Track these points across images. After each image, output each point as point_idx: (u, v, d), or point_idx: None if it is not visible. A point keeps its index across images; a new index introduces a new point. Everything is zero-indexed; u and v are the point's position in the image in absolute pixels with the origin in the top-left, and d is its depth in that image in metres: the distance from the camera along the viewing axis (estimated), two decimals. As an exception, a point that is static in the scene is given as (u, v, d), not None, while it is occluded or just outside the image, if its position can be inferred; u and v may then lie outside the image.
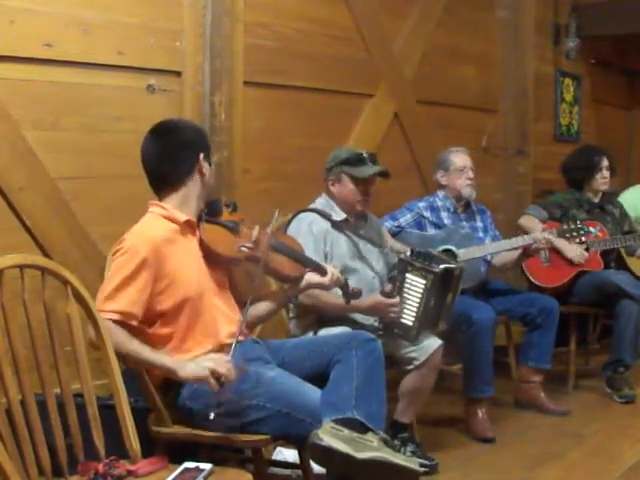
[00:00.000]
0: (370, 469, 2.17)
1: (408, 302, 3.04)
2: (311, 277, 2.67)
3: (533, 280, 4.34)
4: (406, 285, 3.04)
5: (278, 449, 3.06)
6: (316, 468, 2.60)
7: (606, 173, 4.47)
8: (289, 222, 3.16)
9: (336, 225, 3.17)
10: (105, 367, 2.17)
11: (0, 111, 2.81)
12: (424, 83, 4.70)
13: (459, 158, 3.94)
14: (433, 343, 3.07)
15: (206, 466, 2.06)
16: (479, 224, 4.02)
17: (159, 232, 2.39)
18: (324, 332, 2.97)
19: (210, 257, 2.48)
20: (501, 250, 3.85)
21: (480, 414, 3.62)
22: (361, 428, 2.25)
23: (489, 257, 3.92)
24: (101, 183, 3.13)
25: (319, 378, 2.39)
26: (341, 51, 4.17)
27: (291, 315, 3.16)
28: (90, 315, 2.16)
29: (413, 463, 2.27)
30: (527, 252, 3.79)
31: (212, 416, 2.20)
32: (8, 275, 1.99)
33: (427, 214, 3.90)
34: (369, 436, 2.23)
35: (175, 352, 2.37)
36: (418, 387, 3.10)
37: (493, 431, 3.59)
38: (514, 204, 5.22)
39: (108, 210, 3.11)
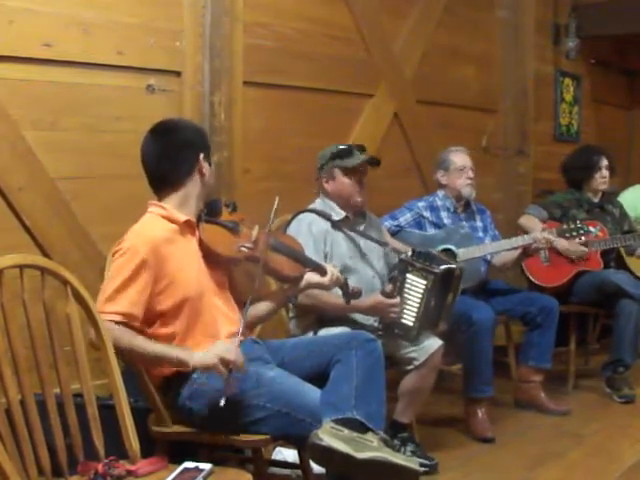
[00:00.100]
0: (370, 469, 2.17)
1: (408, 302, 3.04)
2: (311, 277, 2.67)
3: (533, 280, 4.34)
4: (406, 285, 3.04)
5: (278, 449, 3.06)
6: (316, 468, 2.60)
7: (605, 173, 4.47)
8: (289, 223, 3.16)
9: (336, 225, 3.17)
10: (105, 367, 2.17)
11: (-1, 111, 2.82)
12: (424, 83, 4.70)
13: (459, 158, 3.94)
14: (433, 343, 3.07)
15: (206, 466, 2.06)
16: (479, 224, 4.02)
17: (158, 232, 2.39)
18: (324, 332, 2.97)
19: (210, 257, 2.48)
20: (501, 250, 3.85)
21: (480, 414, 3.62)
22: (361, 428, 2.25)
23: (489, 257, 3.92)
24: (101, 183, 3.13)
25: (319, 378, 2.39)
26: (341, 51, 4.17)
27: (291, 315, 3.16)
28: (90, 315, 2.16)
29: (413, 463, 2.27)
30: (527, 252, 3.80)
31: (223, 402, 2.19)
32: (8, 275, 1.99)
33: (427, 214, 3.90)
34: (369, 436, 2.23)
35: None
36: (418, 387, 3.10)
37: (493, 431, 3.59)
38: (514, 204, 5.21)
39: (108, 210, 3.11)
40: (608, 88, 6.54)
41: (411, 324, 3.04)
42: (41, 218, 2.94)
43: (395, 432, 3.10)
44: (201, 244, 2.47)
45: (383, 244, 3.28)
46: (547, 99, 5.79)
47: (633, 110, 6.99)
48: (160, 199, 2.48)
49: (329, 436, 2.16)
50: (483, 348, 3.57)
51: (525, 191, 5.43)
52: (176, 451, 2.34)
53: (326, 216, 3.17)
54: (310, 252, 2.90)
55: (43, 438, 1.98)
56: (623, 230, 4.50)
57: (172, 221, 2.44)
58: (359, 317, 3.11)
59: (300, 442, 2.38)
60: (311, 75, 4.01)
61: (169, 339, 2.38)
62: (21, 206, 2.88)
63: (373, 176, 4.22)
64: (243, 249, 2.50)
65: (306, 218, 3.15)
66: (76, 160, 3.06)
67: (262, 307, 2.62)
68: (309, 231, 3.09)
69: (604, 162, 4.48)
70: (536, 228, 4.11)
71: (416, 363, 3.05)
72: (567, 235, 3.85)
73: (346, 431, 2.19)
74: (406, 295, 3.04)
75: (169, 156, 2.45)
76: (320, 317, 3.07)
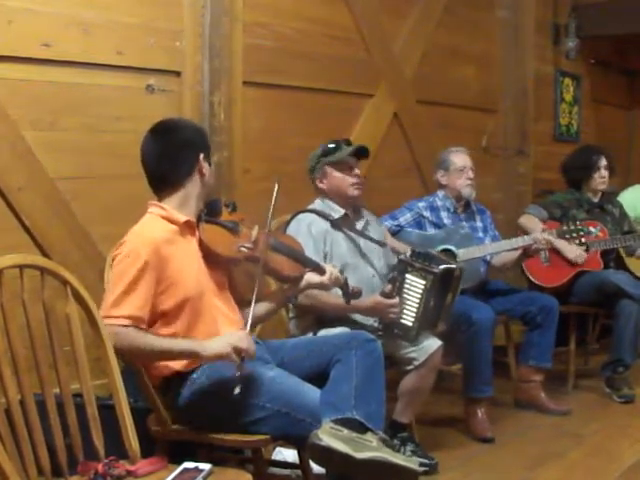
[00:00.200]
0: (369, 469, 2.16)
1: (408, 303, 3.04)
2: (311, 277, 2.67)
3: (533, 280, 4.34)
4: (406, 286, 3.04)
5: (278, 449, 3.05)
6: (316, 468, 2.59)
7: (604, 173, 4.47)
8: (288, 223, 3.16)
9: (335, 225, 3.17)
10: (105, 367, 2.17)
11: (-1, 111, 2.81)
12: (424, 83, 4.70)
13: (459, 158, 3.95)
14: (433, 343, 3.07)
15: (205, 466, 2.06)
16: (479, 224, 4.02)
17: (159, 233, 2.38)
18: (324, 332, 2.97)
19: (210, 257, 2.47)
20: (501, 250, 3.86)
21: (480, 414, 3.62)
22: (360, 428, 2.24)
23: (489, 257, 3.92)
24: (101, 183, 3.13)
25: (318, 378, 2.39)
26: (341, 51, 4.17)
27: (291, 315, 3.16)
28: (90, 315, 2.16)
29: (413, 463, 2.27)
30: (527, 252, 3.80)
31: (237, 390, 2.19)
32: (7, 275, 1.99)
33: (427, 214, 3.90)
34: (368, 436, 2.23)
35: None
36: (417, 387, 3.10)
37: (493, 431, 3.59)
38: (514, 204, 5.21)
39: (108, 210, 3.11)
40: (608, 88, 6.54)
41: (410, 324, 3.04)
42: (41, 218, 2.94)
43: (395, 432, 3.10)
44: (201, 244, 2.46)
45: (382, 244, 3.28)
46: (547, 99, 5.79)
47: (633, 110, 6.99)
48: (160, 199, 2.48)
49: (329, 436, 2.16)
50: (483, 348, 3.57)
51: (525, 191, 5.43)
52: (176, 451, 2.34)
53: (325, 216, 3.18)
54: (310, 252, 2.90)
55: (43, 438, 1.98)
56: (623, 230, 4.50)
57: (172, 222, 2.43)
58: (359, 317, 3.11)
59: (300, 442, 2.38)
60: (311, 75, 4.01)
61: (170, 339, 2.38)
62: (21, 206, 2.88)
63: (373, 176, 4.25)
64: (243, 249, 2.50)
65: (306, 218, 3.15)
66: (76, 160, 3.06)
67: (262, 307, 2.62)
68: (309, 231, 3.09)
69: (603, 162, 4.48)
70: (536, 228, 4.11)
71: (416, 363, 3.05)
72: (567, 236, 3.85)
73: (346, 431, 2.19)
74: (405, 295, 3.04)
75: (169, 156, 2.45)
76: (320, 317, 3.07)
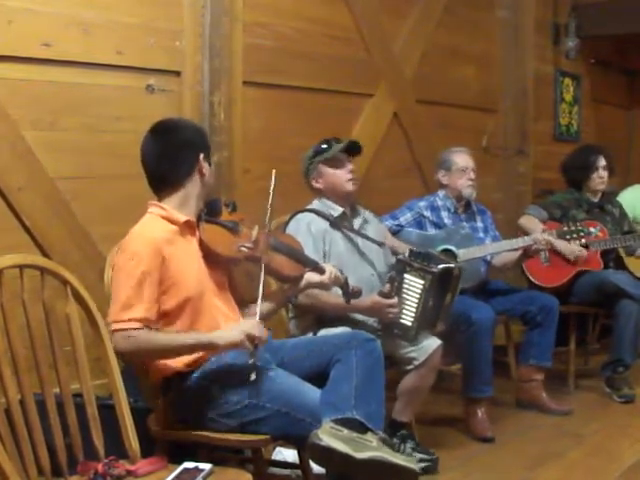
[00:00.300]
0: (369, 469, 2.17)
1: (407, 302, 3.04)
2: (311, 276, 2.67)
3: (533, 280, 4.34)
4: (404, 285, 3.04)
5: (278, 449, 3.06)
6: (316, 468, 2.59)
7: (603, 173, 4.47)
8: (287, 223, 3.16)
9: (334, 224, 3.18)
10: (104, 367, 2.17)
11: (-1, 111, 2.82)
12: (424, 83, 4.70)
13: (461, 158, 3.94)
14: (432, 343, 3.07)
15: (206, 466, 2.06)
16: (479, 224, 4.02)
17: (159, 233, 2.38)
18: (324, 332, 2.97)
19: (210, 257, 2.47)
20: (501, 251, 3.86)
21: (479, 414, 3.62)
22: (360, 428, 2.24)
23: (489, 257, 3.92)
24: (101, 183, 3.13)
25: (318, 378, 2.39)
26: (341, 51, 4.17)
27: (291, 315, 3.16)
28: (90, 315, 2.16)
29: (412, 463, 2.28)
30: (527, 253, 3.80)
31: (253, 377, 2.23)
32: (7, 275, 1.99)
33: (427, 213, 3.90)
34: (368, 436, 2.23)
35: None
36: (417, 387, 3.10)
37: (493, 431, 3.59)
38: (514, 204, 5.22)
39: (108, 210, 3.11)
40: (608, 88, 6.54)
41: (409, 324, 3.04)
42: (41, 218, 2.94)
43: (394, 431, 3.10)
44: (201, 244, 2.46)
45: (380, 244, 3.28)
46: (547, 99, 5.79)
47: (633, 110, 7.00)
48: (160, 199, 2.47)
49: (329, 436, 2.16)
50: (483, 348, 3.57)
51: (525, 191, 5.43)
52: (176, 451, 2.34)
53: (325, 215, 3.18)
54: (310, 251, 2.90)
55: (43, 438, 1.98)
56: (623, 230, 4.50)
57: (172, 222, 2.43)
58: (359, 317, 3.11)
59: (300, 442, 2.38)
60: (311, 75, 4.01)
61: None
62: (21, 206, 2.88)
63: (373, 176, 4.26)
64: (243, 249, 2.50)
65: (305, 218, 3.15)
66: (76, 160, 3.06)
67: (262, 307, 2.62)
68: (308, 230, 3.10)
69: (602, 162, 4.47)
70: (536, 229, 4.11)
71: (416, 363, 3.05)
72: (567, 237, 3.85)
73: (345, 431, 2.19)
74: (404, 295, 3.04)
75: (169, 156, 2.45)
76: (320, 317, 3.07)
